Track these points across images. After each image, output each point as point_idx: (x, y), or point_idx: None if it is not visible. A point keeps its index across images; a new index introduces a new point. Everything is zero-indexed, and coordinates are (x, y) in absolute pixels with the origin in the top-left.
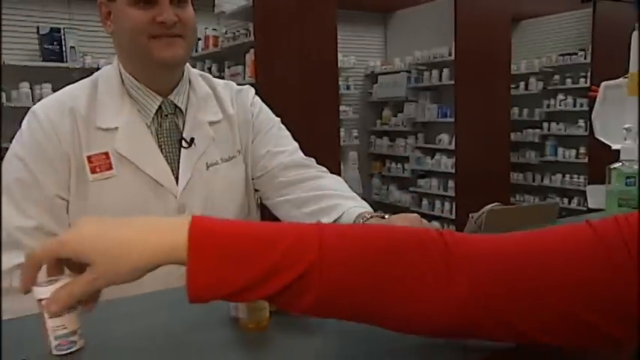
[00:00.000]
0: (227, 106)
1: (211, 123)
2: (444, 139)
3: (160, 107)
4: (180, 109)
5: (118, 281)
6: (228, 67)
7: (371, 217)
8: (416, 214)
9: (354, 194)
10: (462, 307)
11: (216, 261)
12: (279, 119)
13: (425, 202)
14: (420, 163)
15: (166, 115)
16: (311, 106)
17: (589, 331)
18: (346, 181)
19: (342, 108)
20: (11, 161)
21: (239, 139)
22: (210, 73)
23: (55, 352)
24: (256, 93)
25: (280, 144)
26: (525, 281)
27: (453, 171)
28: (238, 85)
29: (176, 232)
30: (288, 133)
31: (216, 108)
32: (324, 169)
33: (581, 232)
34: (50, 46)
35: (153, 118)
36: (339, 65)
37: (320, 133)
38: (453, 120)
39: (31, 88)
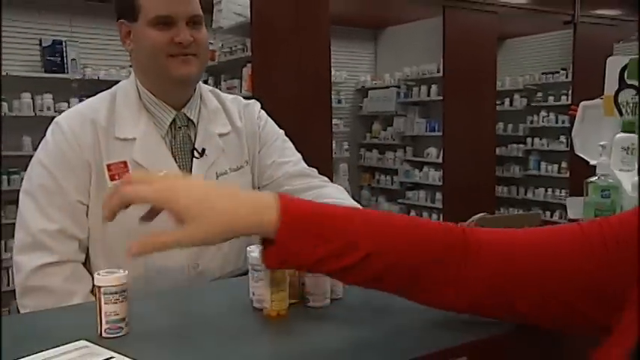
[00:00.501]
0: (235, 119)
1: (221, 135)
2: (432, 153)
3: (174, 120)
4: (192, 122)
5: (205, 241)
6: (225, 81)
7: None
8: None
9: (354, 202)
10: (470, 286)
11: (301, 238)
12: (282, 131)
13: (413, 213)
14: (408, 176)
15: (180, 128)
16: (305, 120)
17: (579, 317)
18: None
19: (333, 121)
20: (36, 169)
21: (247, 150)
22: (207, 85)
23: (105, 335)
24: None
25: (285, 155)
26: (525, 266)
27: (441, 184)
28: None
29: (265, 211)
30: (291, 144)
31: (225, 121)
32: (326, 178)
33: (571, 230)
34: (52, 58)
35: (167, 130)
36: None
37: (313, 146)
38: (440, 134)
39: (32, 98)
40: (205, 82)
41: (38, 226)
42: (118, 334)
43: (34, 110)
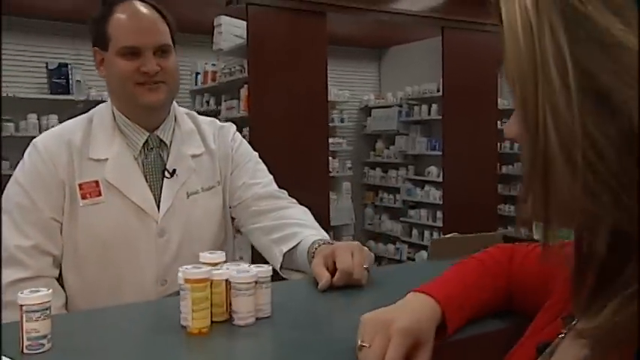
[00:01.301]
0: (209, 141)
1: (193, 156)
2: (433, 172)
3: (146, 141)
4: (165, 143)
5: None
6: (225, 101)
7: (323, 243)
8: (357, 242)
9: (316, 224)
10: None
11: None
12: (256, 154)
13: (415, 231)
14: (410, 194)
15: (152, 149)
16: (301, 139)
17: None
18: (340, 211)
19: (336, 140)
20: (13, 187)
21: (219, 171)
22: (208, 106)
23: (26, 351)
24: (248, 126)
25: (256, 176)
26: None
27: (441, 202)
28: (231, 118)
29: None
30: (264, 166)
31: (199, 142)
32: (294, 200)
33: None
34: (58, 80)
35: (140, 150)
36: (333, 99)
37: (310, 164)
38: (441, 153)
39: (38, 119)
40: (207, 102)
41: (13, 242)
42: (39, 351)
43: (40, 130)
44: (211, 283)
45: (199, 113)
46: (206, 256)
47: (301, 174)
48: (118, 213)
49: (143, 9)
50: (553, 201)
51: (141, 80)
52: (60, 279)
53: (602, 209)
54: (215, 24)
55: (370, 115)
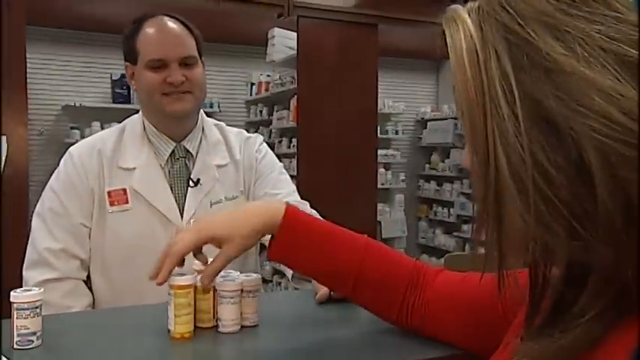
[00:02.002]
0: (235, 152)
1: (218, 166)
2: None
3: (173, 151)
4: (191, 153)
5: (241, 247)
6: (276, 111)
7: None
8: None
9: None
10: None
11: (291, 244)
12: (281, 165)
13: (467, 247)
14: (464, 209)
15: (178, 159)
16: (349, 150)
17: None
18: (392, 223)
19: (389, 152)
20: (47, 193)
21: (242, 181)
22: (261, 116)
23: (15, 347)
24: (296, 137)
25: (277, 187)
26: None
27: None
28: (281, 128)
29: (274, 215)
30: (287, 177)
31: (224, 153)
32: (314, 212)
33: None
34: (120, 90)
35: (167, 160)
36: (388, 111)
37: (358, 176)
38: None
39: (101, 127)
40: (260, 112)
41: (44, 244)
42: (28, 347)
43: None
44: (197, 290)
45: (253, 123)
46: (197, 262)
47: (348, 185)
48: (144, 220)
49: (170, 23)
50: (506, 233)
51: (167, 90)
52: (88, 281)
53: (555, 240)
54: (269, 36)
55: (426, 128)
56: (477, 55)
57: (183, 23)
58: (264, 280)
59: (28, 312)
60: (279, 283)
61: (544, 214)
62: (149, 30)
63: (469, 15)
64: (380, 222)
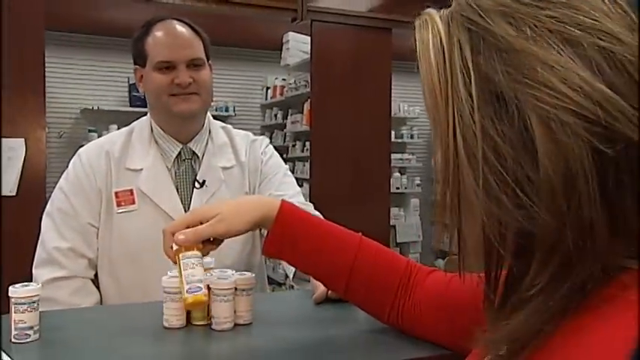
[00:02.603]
0: (241, 154)
1: (224, 168)
2: None
3: (179, 153)
4: (197, 155)
5: (233, 230)
6: (291, 115)
7: None
8: None
9: None
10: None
11: (286, 239)
12: (286, 167)
13: None
14: None
15: (184, 160)
16: (362, 154)
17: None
18: (407, 227)
19: (405, 156)
20: (57, 194)
21: (248, 183)
22: (276, 119)
23: (13, 340)
24: (309, 141)
25: (282, 188)
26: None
27: None
28: (295, 132)
29: (269, 210)
30: (292, 179)
31: (230, 155)
32: (317, 213)
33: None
34: (137, 94)
35: (174, 161)
36: (403, 115)
37: (371, 180)
38: None
39: (118, 129)
40: (275, 116)
41: (53, 243)
42: (26, 340)
43: None
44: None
45: (268, 127)
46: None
47: (361, 189)
48: (150, 220)
49: (178, 27)
50: (465, 213)
51: (175, 91)
52: (95, 280)
53: (503, 211)
54: (284, 40)
55: None
56: (443, 48)
57: (191, 26)
58: (277, 283)
59: (25, 306)
60: (292, 287)
61: (492, 185)
62: (158, 33)
63: (440, 16)
64: (394, 226)
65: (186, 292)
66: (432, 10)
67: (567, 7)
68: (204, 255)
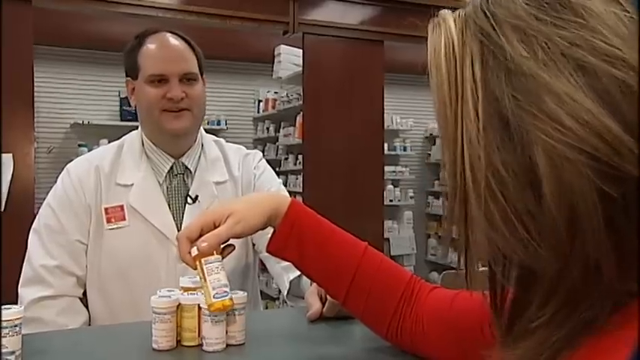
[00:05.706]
0: (234, 169)
1: (217, 183)
2: None
3: (171, 167)
4: (189, 170)
5: (249, 227)
6: (283, 128)
7: None
8: None
9: None
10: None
11: (293, 236)
12: (280, 181)
13: None
14: None
15: (176, 175)
16: (355, 167)
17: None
18: (401, 240)
19: (398, 169)
20: (44, 209)
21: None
22: (268, 132)
23: None
24: (302, 154)
25: None
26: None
27: None
28: (288, 145)
29: (279, 204)
30: (286, 194)
31: (223, 170)
32: None
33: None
34: (127, 108)
35: (165, 176)
36: (396, 127)
37: (364, 193)
38: None
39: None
40: (267, 129)
41: (39, 261)
42: None
43: None
44: (181, 308)
45: (260, 140)
46: (185, 280)
47: (355, 202)
48: (141, 237)
49: (172, 39)
50: (472, 232)
51: (167, 106)
52: (85, 298)
53: (504, 241)
54: (275, 53)
55: (435, 144)
56: (455, 55)
57: (184, 40)
58: (270, 298)
59: (7, 330)
60: (286, 302)
61: (493, 212)
62: (151, 45)
63: (454, 20)
64: (388, 239)
65: (213, 297)
66: (446, 13)
67: (584, 29)
68: (223, 258)
